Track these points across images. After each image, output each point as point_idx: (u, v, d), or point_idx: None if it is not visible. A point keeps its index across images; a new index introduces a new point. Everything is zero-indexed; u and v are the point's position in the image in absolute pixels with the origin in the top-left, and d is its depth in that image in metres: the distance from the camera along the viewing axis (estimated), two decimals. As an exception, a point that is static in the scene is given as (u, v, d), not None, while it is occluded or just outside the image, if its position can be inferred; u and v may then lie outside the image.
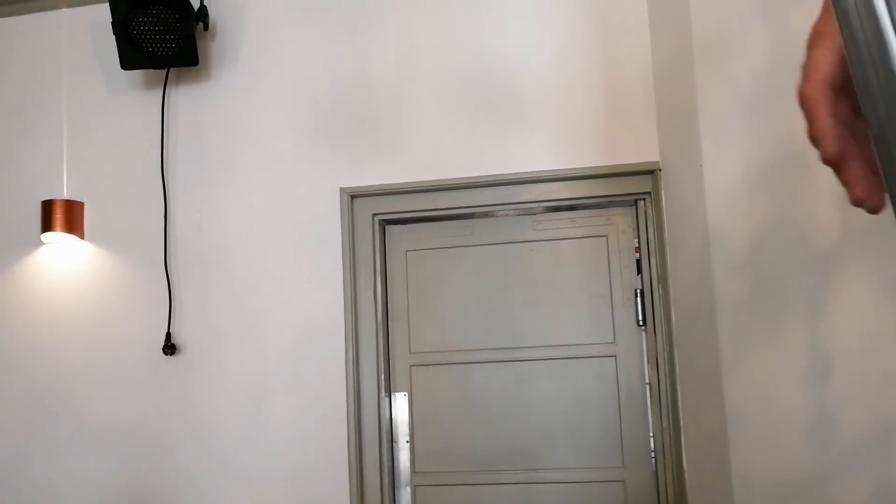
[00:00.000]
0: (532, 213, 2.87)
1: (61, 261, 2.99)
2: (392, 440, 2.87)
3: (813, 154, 0.59)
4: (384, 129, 2.87)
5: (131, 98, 3.04)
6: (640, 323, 2.77)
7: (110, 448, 2.88)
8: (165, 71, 2.97)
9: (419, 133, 2.85)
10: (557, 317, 2.82)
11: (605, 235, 2.83)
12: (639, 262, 2.79)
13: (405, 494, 2.85)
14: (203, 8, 2.91)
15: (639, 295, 2.77)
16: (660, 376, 2.70)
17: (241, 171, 2.94)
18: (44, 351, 2.97)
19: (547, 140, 2.78)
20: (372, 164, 2.86)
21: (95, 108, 3.06)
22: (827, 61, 0.58)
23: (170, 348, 2.85)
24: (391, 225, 2.96)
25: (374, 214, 2.88)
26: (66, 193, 3.01)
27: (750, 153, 2.00)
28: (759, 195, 1.97)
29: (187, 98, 3.00)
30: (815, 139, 0.59)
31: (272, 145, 2.93)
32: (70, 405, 2.92)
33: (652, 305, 2.73)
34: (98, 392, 2.91)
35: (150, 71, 3.00)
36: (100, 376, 2.92)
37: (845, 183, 0.58)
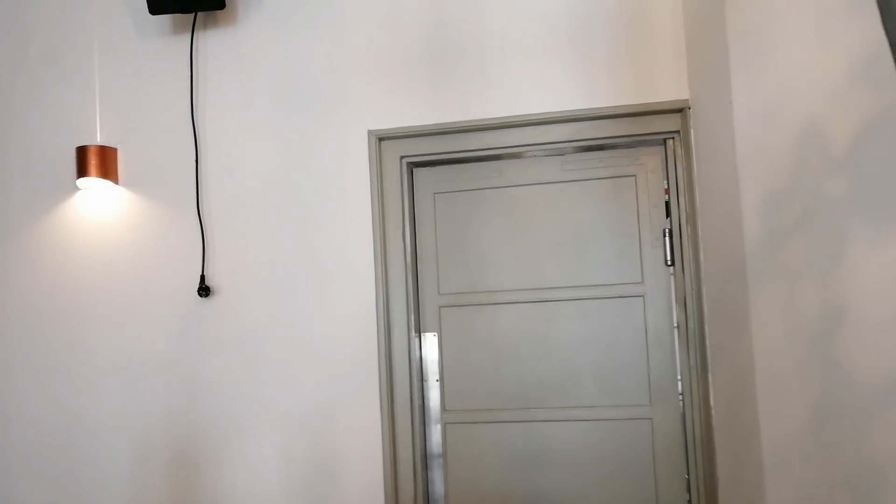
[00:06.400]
0: (560, 153, 2.86)
1: (96, 206, 3.05)
2: (422, 379, 2.92)
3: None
4: (411, 70, 2.86)
5: (160, 43, 3.06)
6: (669, 263, 2.76)
7: (148, 385, 2.97)
8: (193, 15, 2.98)
9: (446, 74, 2.83)
10: (585, 257, 2.83)
11: (634, 175, 2.82)
12: (667, 202, 2.77)
13: (436, 432, 2.91)
14: (228, -50, 2.90)
15: (667, 235, 2.77)
16: (688, 315, 2.71)
17: (271, 116, 2.95)
18: (81, 293, 3.05)
19: (575, 79, 2.75)
20: (399, 107, 2.86)
21: (126, 54, 3.08)
22: None
23: (204, 290, 2.91)
24: (419, 167, 2.97)
25: (402, 157, 2.89)
26: (99, 139, 3.06)
27: (781, 90, 1.97)
28: (788, 132, 1.94)
29: (215, 42, 3.01)
30: None
31: (300, 89, 2.93)
32: (108, 345, 3.01)
33: (680, 245, 2.72)
34: (136, 333, 3.00)
35: (178, 15, 3.01)
36: (137, 318, 3.00)
37: None
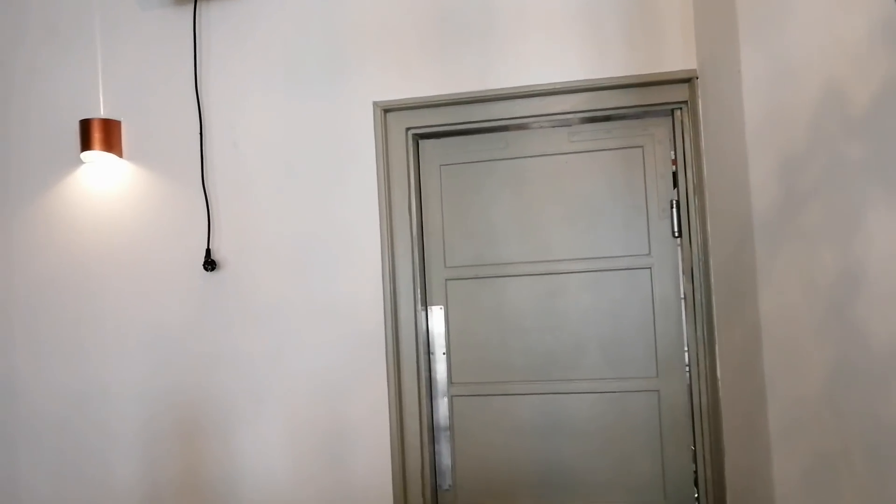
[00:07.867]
0: (567, 124, 2.84)
1: (101, 179, 3.04)
2: (429, 352, 2.92)
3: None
4: (417, 41, 2.83)
5: (164, 14, 3.03)
6: (676, 234, 2.75)
7: (153, 358, 2.97)
8: (196, -14, 2.95)
9: (452, 45, 2.81)
10: (592, 229, 2.82)
11: (641, 146, 2.80)
12: (675, 172, 2.76)
13: (442, 404, 2.91)
14: (231, -80, 2.87)
15: (674, 206, 2.75)
16: (695, 287, 2.70)
17: (275, 88, 2.93)
18: (86, 268, 3.04)
19: (582, 49, 2.72)
20: (405, 78, 2.84)
21: (128, 26, 3.05)
22: None
23: (210, 264, 2.90)
24: (425, 139, 2.95)
25: (408, 129, 2.87)
26: (102, 112, 3.04)
27: (790, 59, 1.94)
28: (804, 97, 1.92)
29: (219, 14, 2.98)
30: None
31: (305, 60, 2.91)
32: (114, 319, 3.01)
33: (688, 216, 2.71)
34: (141, 307, 2.99)
35: (181, -14, 2.99)
36: (142, 292, 3.00)
37: None
